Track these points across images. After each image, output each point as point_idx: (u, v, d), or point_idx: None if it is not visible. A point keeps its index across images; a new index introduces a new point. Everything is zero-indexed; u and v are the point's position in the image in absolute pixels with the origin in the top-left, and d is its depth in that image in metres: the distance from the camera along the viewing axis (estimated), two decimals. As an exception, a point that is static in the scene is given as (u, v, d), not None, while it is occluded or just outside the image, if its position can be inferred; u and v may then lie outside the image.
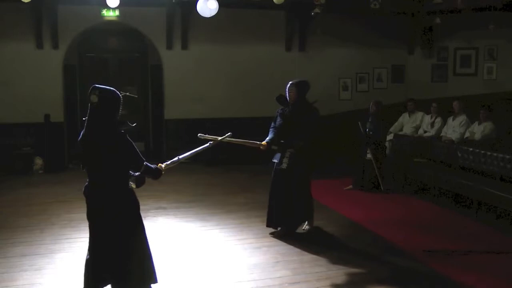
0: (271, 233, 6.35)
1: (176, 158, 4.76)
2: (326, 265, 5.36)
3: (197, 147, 5.31)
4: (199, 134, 5.78)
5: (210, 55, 12.47)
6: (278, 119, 6.51)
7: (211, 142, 5.53)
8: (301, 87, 6.39)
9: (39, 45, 11.64)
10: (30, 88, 11.41)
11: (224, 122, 12.27)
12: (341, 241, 6.20)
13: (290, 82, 6.45)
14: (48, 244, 6.13)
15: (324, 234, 6.46)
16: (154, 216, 7.34)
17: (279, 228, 6.38)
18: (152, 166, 4.38)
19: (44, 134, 11.36)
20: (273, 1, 9.38)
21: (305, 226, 6.58)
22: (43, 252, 5.81)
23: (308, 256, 5.61)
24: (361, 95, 13.35)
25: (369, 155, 9.01)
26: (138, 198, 4.34)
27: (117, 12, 11.71)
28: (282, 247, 5.89)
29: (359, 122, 9.28)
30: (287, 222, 6.33)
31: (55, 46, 11.74)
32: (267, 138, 6.37)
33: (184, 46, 12.45)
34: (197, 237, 6.37)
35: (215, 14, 8.21)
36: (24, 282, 4.92)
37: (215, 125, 11.31)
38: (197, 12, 8.20)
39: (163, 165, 4.58)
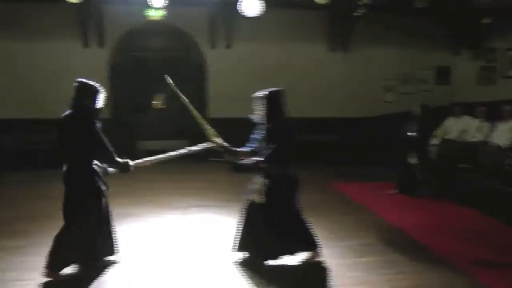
0: None
1: (147, 159, 5.36)
2: (365, 269, 5.25)
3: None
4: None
5: (253, 55, 12.52)
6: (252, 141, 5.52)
7: (189, 149, 5.66)
8: (272, 97, 5.40)
9: (85, 44, 11.92)
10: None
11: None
12: (381, 246, 6.06)
13: (258, 93, 5.45)
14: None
15: (364, 238, 6.33)
16: (195, 213, 7.47)
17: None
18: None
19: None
20: (315, 1, 9.31)
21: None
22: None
23: (348, 260, 5.52)
24: (405, 97, 13.15)
25: (412, 159, 8.83)
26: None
27: (161, 12, 11.87)
28: (322, 250, 5.80)
29: (402, 125, 9.10)
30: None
31: (101, 45, 12.00)
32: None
33: (228, 45, 12.53)
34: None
35: (259, 13, 8.22)
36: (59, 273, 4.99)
37: (259, 125, 11.32)
38: (242, 11, 8.23)
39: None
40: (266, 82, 12.65)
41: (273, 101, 5.35)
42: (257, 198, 5.27)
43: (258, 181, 5.26)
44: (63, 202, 4.92)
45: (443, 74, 13.64)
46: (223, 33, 12.47)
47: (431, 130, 10.05)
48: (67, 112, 5.01)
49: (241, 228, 5.45)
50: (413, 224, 7.06)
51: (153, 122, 14.12)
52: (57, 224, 6.18)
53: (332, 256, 5.60)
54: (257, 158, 5.20)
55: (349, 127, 12.79)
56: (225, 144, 5.62)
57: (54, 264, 4.85)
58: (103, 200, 5.09)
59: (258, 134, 5.40)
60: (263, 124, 5.34)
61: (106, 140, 4.96)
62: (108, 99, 12.14)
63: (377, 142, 11.91)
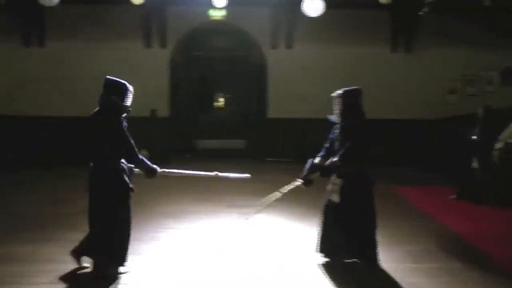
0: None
1: (175, 170, 5.44)
2: (424, 276, 5.13)
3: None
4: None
5: (314, 55, 12.51)
6: (327, 141, 5.56)
7: (217, 173, 5.63)
8: (346, 96, 5.35)
9: (148, 45, 12.23)
10: (138, 85, 11.96)
11: (327, 123, 12.17)
12: (441, 253, 5.90)
13: (335, 93, 5.44)
14: (149, 231, 6.51)
15: (424, 244, 6.20)
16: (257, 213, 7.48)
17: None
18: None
19: (150, 128, 11.86)
20: (378, 1, 9.17)
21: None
22: (145, 239, 6.15)
23: (406, 265, 5.43)
24: (469, 99, 12.77)
25: (475, 164, 8.55)
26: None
27: (223, 12, 12.02)
28: (380, 253, 5.72)
29: (466, 128, 8.83)
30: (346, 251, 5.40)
31: (163, 45, 12.28)
32: (305, 169, 5.52)
33: (289, 46, 12.55)
34: (298, 236, 6.38)
35: (320, 14, 8.20)
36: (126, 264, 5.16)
37: (318, 126, 11.24)
38: (302, 11, 8.23)
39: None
40: (326, 83, 12.67)
41: (348, 100, 5.34)
42: (333, 197, 5.29)
43: (334, 181, 5.28)
44: (89, 200, 4.89)
45: (510, 75, 13.12)
46: (284, 33, 12.50)
47: (496, 133, 9.70)
48: (96, 110, 4.94)
49: (321, 229, 5.46)
50: (474, 231, 6.84)
51: (212, 121, 14.33)
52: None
53: (391, 260, 5.51)
54: (334, 159, 5.20)
55: (410, 130, 12.55)
56: (300, 181, 5.55)
57: (78, 252, 4.98)
58: (129, 200, 5.04)
59: (334, 133, 5.45)
60: (339, 123, 5.39)
61: (131, 139, 4.89)
62: (169, 98, 12.58)
63: (438, 145, 11.63)
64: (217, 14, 12.17)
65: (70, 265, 5.12)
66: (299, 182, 5.51)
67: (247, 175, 5.71)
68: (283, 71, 12.50)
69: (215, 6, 9.98)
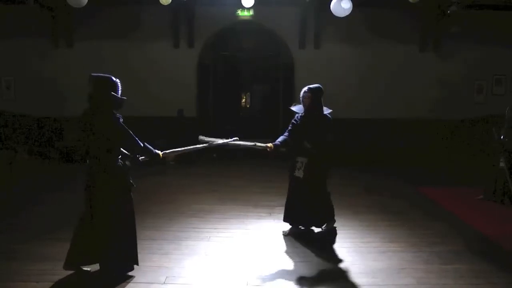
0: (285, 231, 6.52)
1: (175, 150, 5.73)
2: (452, 277, 5.07)
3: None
4: (199, 137, 6.46)
5: (342, 55, 12.47)
6: (290, 125, 6.42)
7: (211, 143, 6.31)
8: (315, 93, 6.18)
9: (176, 45, 12.32)
10: (166, 84, 12.13)
11: (356, 122, 12.19)
12: (469, 254, 5.83)
13: (305, 88, 6.24)
14: (175, 231, 6.50)
15: (452, 245, 6.13)
16: (280, 213, 7.46)
17: (301, 227, 6.54)
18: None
19: (177, 128, 11.95)
20: (407, 0, 9.10)
21: (324, 227, 6.57)
22: (171, 238, 6.18)
23: (434, 266, 5.36)
24: (497, 99, 12.62)
25: (502, 164, 8.42)
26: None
27: (251, 12, 12.06)
28: (408, 254, 5.71)
29: (493, 128, 8.70)
30: (309, 221, 6.49)
31: (191, 45, 12.36)
32: (277, 140, 6.34)
33: (317, 46, 12.53)
34: (322, 236, 6.37)
35: (348, 13, 8.17)
36: (152, 264, 5.24)
37: (346, 125, 11.21)
38: (331, 11, 8.21)
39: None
40: (354, 83, 12.68)
41: (316, 96, 6.15)
42: (298, 173, 6.23)
43: (300, 159, 6.22)
44: (85, 197, 4.78)
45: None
46: (312, 33, 12.49)
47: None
48: (88, 107, 4.76)
49: (287, 201, 6.49)
50: (502, 232, 6.74)
51: (239, 121, 14.36)
52: (145, 220, 6.54)
53: (419, 261, 5.49)
54: (306, 143, 6.12)
55: (437, 129, 12.44)
56: (270, 146, 6.28)
57: (70, 262, 4.82)
58: (129, 198, 4.93)
59: (297, 120, 6.30)
60: (303, 113, 6.26)
61: (131, 132, 4.80)
62: (196, 98, 12.64)
63: (465, 145, 11.49)
64: (244, 14, 12.21)
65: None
66: (269, 145, 6.25)
67: (235, 138, 6.36)
68: (310, 71, 12.46)
69: (243, 6, 10.01)
